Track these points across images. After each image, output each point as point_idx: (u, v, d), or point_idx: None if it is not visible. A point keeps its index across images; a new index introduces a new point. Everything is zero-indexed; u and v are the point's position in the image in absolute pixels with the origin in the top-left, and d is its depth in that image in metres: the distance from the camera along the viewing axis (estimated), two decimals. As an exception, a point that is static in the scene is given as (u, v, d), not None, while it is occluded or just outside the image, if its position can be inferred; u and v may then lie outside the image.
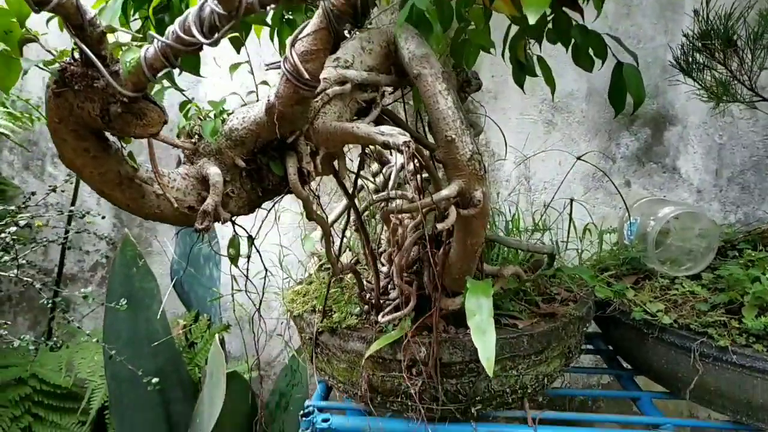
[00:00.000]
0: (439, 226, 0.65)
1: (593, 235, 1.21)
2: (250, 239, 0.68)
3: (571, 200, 1.13)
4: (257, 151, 0.59)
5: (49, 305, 1.14)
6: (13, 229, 1.06)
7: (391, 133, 0.57)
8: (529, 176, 1.61)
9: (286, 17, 0.79)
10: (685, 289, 0.94)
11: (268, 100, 0.54)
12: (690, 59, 1.06)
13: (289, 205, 0.94)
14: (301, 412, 1.00)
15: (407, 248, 0.81)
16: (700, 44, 0.99)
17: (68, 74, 0.41)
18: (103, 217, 1.73)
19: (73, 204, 1.70)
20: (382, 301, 0.93)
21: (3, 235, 1.05)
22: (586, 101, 1.56)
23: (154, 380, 1.16)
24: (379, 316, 0.86)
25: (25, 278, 1.10)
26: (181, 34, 0.40)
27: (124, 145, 0.51)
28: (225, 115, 0.55)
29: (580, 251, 1.17)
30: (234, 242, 0.67)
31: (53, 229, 1.73)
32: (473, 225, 0.72)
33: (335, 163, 0.70)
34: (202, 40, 0.40)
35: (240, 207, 0.61)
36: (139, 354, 1.38)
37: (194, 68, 0.69)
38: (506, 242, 0.97)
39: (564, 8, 0.87)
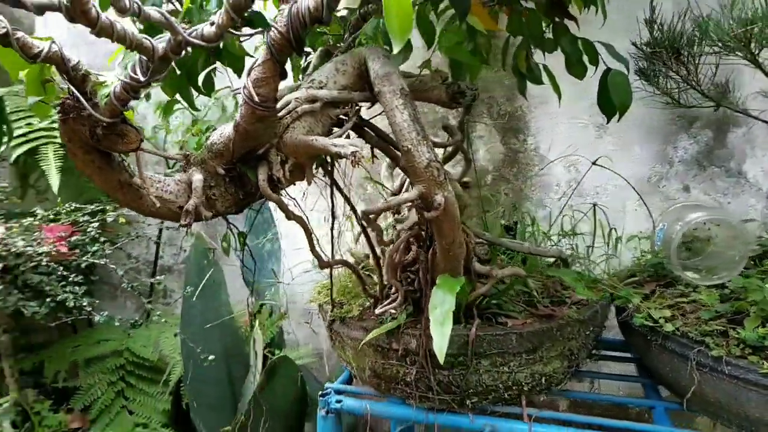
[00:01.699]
0: (398, 226, 0.73)
1: (623, 242, 1.19)
2: (241, 235, 0.80)
3: (594, 205, 1.12)
4: (236, 160, 0.71)
5: (133, 290, 1.36)
6: (96, 224, 1.29)
7: (342, 145, 0.66)
8: (581, 181, 1.59)
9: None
10: (695, 297, 0.92)
11: (236, 120, 0.65)
12: (642, 66, 1.10)
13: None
14: (320, 392, 1.11)
15: (396, 247, 0.89)
16: (650, 52, 0.98)
17: (66, 107, 0.55)
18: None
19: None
20: (386, 295, 1.01)
21: (89, 230, 1.28)
22: (641, 103, 1.51)
23: (210, 357, 1.34)
24: (376, 309, 0.94)
25: (109, 265, 1.33)
26: (132, 74, 0.52)
27: (124, 158, 0.65)
28: (209, 132, 0.68)
29: (606, 257, 1.16)
30: (226, 237, 0.79)
31: (149, 226, 2.00)
32: (442, 227, 0.79)
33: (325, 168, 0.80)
34: (141, 79, 0.51)
35: (227, 207, 0.74)
36: (209, 337, 1.58)
37: (208, 90, 0.82)
38: (507, 245, 1.01)
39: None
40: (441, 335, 0.72)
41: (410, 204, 0.75)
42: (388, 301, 0.95)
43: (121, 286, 2.35)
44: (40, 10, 0.47)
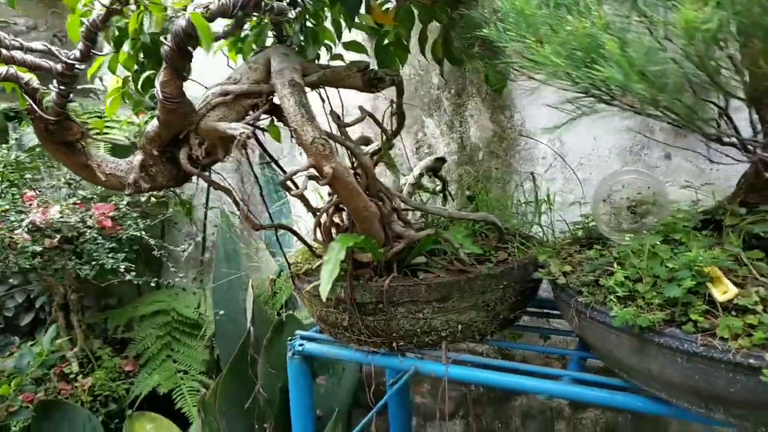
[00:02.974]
0: (293, 192, 0.90)
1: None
2: (184, 204, 1.01)
3: (532, 174, 1.21)
4: (167, 144, 0.92)
5: (168, 258, 1.64)
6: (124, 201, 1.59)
7: (235, 128, 0.85)
8: (564, 153, 1.65)
9: (239, 45, 1.10)
10: (590, 254, 1.00)
11: (157, 113, 0.86)
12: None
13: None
14: (289, 338, 1.31)
15: (323, 211, 1.07)
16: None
17: (29, 111, 0.78)
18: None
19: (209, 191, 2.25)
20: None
21: (122, 207, 1.58)
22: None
23: (221, 312, 1.59)
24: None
25: (146, 237, 1.62)
26: (56, 87, 0.74)
27: (84, 145, 0.88)
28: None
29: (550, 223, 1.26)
30: (183, 203, 1.01)
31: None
32: (340, 193, 0.95)
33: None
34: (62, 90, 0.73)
35: (167, 181, 0.95)
36: (233, 298, 1.84)
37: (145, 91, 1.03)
38: (430, 211, 1.15)
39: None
40: (327, 279, 0.89)
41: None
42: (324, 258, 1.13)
43: (182, 259, 2.73)
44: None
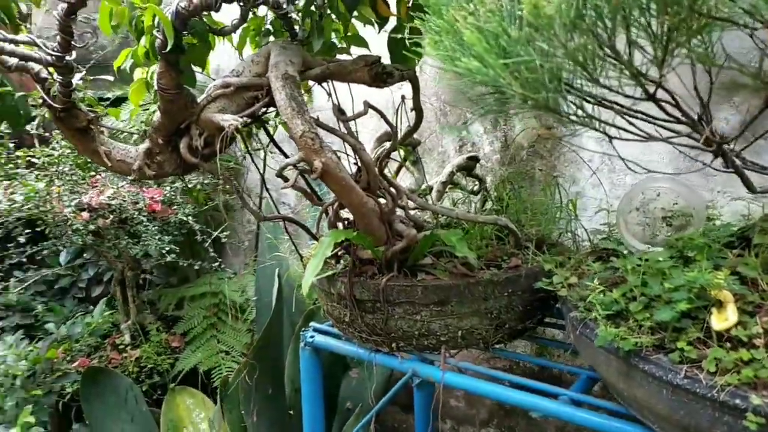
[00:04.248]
0: (284, 185, 0.91)
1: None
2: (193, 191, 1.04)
3: (555, 177, 1.14)
4: (172, 133, 0.95)
5: (209, 244, 1.72)
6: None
7: (226, 119, 0.87)
8: (613, 156, 1.53)
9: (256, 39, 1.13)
10: (594, 266, 0.93)
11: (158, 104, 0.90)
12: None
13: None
14: (303, 329, 1.33)
15: (326, 207, 1.07)
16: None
17: (42, 98, 0.84)
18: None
19: (263, 181, 2.33)
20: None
21: (168, 193, 1.67)
22: (673, 71, 1.40)
23: (254, 298, 1.64)
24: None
25: (191, 222, 1.71)
26: (59, 79, 0.79)
27: (96, 132, 0.93)
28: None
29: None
30: (192, 192, 1.05)
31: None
32: (333, 189, 0.95)
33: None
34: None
35: (174, 169, 0.99)
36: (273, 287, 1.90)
37: (201, 65, 1.06)
38: (439, 211, 1.11)
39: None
40: (310, 272, 0.90)
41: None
42: (312, 251, 1.13)
43: (243, 244, 2.85)
44: None
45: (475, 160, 1.53)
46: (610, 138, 0.69)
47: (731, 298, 0.71)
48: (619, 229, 1.05)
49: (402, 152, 1.41)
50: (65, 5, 0.66)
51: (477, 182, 1.61)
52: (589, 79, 0.57)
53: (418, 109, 1.15)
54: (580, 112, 0.62)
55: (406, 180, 1.61)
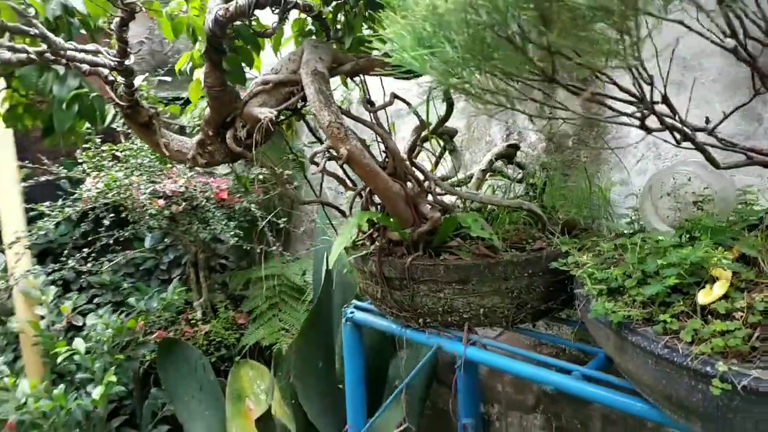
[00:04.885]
0: (312, 169, 1.01)
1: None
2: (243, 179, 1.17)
3: (584, 163, 1.16)
4: (219, 126, 1.08)
5: (271, 232, 1.88)
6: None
7: (262, 112, 0.98)
8: (658, 143, 1.51)
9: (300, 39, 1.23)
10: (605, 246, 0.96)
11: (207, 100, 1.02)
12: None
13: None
14: (345, 305, 1.43)
15: (361, 189, 1.16)
16: None
17: (110, 97, 1.00)
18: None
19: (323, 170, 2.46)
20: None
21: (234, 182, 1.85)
22: (718, 53, 1.37)
23: (309, 279, 1.77)
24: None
25: (254, 209, 1.87)
26: (122, 81, 0.93)
27: (157, 126, 1.08)
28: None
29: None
30: (241, 179, 1.18)
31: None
32: (359, 174, 1.04)
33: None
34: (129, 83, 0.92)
35: (223, 158, 1.12)
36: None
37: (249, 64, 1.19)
38: (462, 195, 1.17)
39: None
40: (335, 249, 0.99)
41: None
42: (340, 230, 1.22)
43: (299, 230, 3.02)
44: None
45: (515, 148, 1.56)
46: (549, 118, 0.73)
47: (727, 276, 0.73)
48: (642, 213, 1.07)
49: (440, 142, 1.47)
50: (118, 19, 0.80)
51: (521, 170, 1.64)
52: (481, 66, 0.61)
53: (448, 99, 1.22)
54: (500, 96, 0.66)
55: (445, 168, 1.67)
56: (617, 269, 0.82)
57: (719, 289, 0.69)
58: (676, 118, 0.70)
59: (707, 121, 0.75)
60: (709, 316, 0.69)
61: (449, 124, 1.29)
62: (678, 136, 0.71)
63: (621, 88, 0.70)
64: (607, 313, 0.76)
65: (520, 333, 1.25)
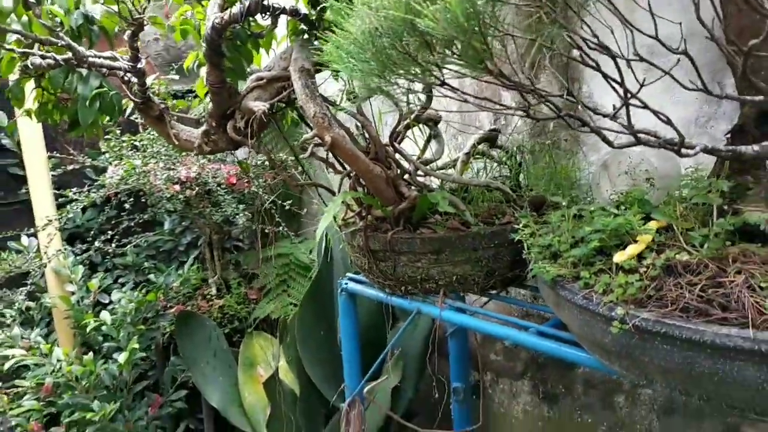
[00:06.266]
0: (303, 155, 1.16)
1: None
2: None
3: (549, 144, 1.28)
4: (221, 118, 1.23)
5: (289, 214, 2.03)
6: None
7: (256, 105, 1.13)
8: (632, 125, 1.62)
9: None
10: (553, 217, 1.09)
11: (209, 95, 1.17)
12: None
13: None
14: (340, 278, 1.58)
15: (347, 172, 1.31)
16: None
17: (126, 94, 1.15)
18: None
19: (327, 157, 2.61)
20: (363, 210, 1.42)
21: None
22: (688, 42, 1.46)
23: (312, 256, 1.92)
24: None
25: (262, 194, 2.03)
26: (136, 80, 1.08)
27: (168, 119, 1.23)
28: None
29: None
30: (242, 164, 1.33)
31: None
32: (342, 158, 1.18)
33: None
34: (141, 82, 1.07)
35: (226, 146, 1.27)
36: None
37: (249, 61, 1.34)
38: (437, 176, 1.30)
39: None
40: (322, 222, 1.14)
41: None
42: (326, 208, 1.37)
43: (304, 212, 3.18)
44: None
45: (496, 131, 1.69)
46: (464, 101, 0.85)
47: (646, 240, 0.86)
48: (595, 189, 1.19)
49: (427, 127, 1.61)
50: (129, 32, 0.94)
51: (504, 153, 1.77)
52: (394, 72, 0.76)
53: (428, 91, 1.35)
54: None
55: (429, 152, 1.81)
56: (554, 236, 0.96)
57: (631, 250, 0.83)
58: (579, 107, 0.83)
59: (614, 108, 0.87)
60: (621, 272, 0.82)
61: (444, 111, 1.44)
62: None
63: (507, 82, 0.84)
64: (542, 272, 0.89)
65: (489, 298, 1.39)
